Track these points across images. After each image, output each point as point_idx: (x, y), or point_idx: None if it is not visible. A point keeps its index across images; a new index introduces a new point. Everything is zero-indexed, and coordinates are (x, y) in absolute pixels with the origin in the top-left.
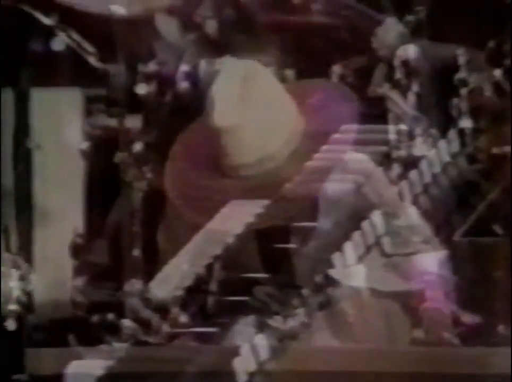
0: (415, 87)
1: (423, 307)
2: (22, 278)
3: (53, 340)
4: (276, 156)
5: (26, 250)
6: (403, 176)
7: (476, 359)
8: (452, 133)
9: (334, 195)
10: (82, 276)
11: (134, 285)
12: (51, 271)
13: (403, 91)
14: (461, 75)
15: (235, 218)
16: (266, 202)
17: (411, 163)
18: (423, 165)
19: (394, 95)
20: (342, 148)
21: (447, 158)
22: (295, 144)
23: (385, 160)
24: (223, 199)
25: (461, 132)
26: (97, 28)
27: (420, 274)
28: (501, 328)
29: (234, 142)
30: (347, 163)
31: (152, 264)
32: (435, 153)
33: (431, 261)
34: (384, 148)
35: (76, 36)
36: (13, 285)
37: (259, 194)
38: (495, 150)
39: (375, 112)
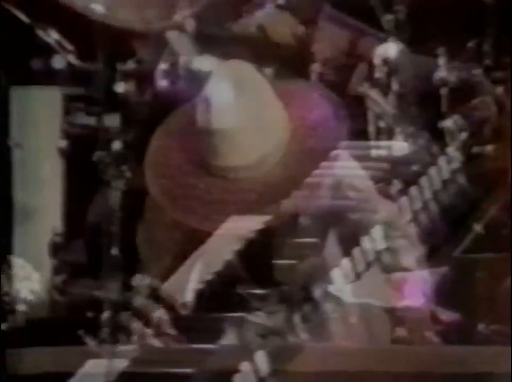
0: (395, 86)
1: (403, 306)
2: (27, 279)
3: (33, 340)
4: (267, 160)
5: (5, 248)
6: (403, 192)
7: (457, 358)
8: (452, 150)
9: (332, 211)
10: (61, 275)
11: (142, 280)
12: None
13: (383, 90)
14: (440, 73)
15: (235, 234)
16: (267, 218)
17: (392, 163)
18: (423, 181)
19: (374, 94)
20: (336, 164)
21: (447, 175)
22: (284, 148)
23: (385, 176)
24: (209, 199)
25: (442, 132)
26: (76, 26)
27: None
28: (481, 327)
29: (226, 145)
30: (342, 179)
31: (130, 263)
32: (436, 169)
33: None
34: (385, 165)
35: (55, 34)
36: (20, 286)
37: (246, 196)
38: (475, 149)
39: (354, 111)
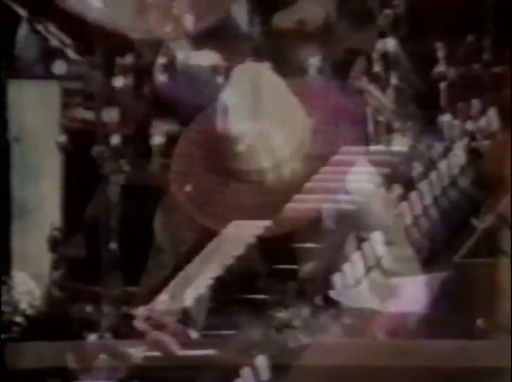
0: (393, 81)
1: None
2: (29, 293)
3: (32, 335)
4: (289, 161)
5: (4, 243)
6: (404, 196)
7: (456, 352)
8: (453, 154)
9: (336, 215)
10: (60, 270)
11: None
12: (29, 265)
13: (382, 84)
14: (439, 68)
15: (236, 239)
16: (268, 222)
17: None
18: (423, 186)
19: (372, 89)
20: (347, 169)
21: (447, 178)
22: (306, 148)
23: (387, 181)
24: (236, 204)
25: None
26: (75, 20)
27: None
28: (479, 322)
29: (248, 148)
30: (350, 182)
31: (128, 258)
32: (436, 174)
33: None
34: (387, 170)
35: (52, 28)
36: (20, 298)
37: (271, 199)
38: (473, 144)
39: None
